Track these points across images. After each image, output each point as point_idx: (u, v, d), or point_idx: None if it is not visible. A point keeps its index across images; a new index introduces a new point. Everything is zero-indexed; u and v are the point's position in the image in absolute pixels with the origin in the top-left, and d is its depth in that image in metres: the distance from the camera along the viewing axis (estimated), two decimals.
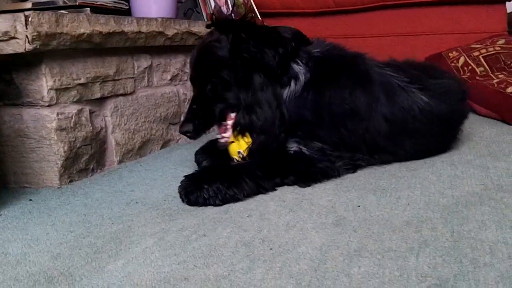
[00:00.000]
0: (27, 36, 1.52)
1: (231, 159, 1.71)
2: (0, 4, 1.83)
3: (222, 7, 3.05)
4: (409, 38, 3.59)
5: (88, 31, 1.72)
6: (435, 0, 3.49)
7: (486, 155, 1.83)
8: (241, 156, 1.67)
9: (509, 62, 3.05)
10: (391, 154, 1.78)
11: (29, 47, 1.53)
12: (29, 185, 1.72)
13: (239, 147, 1.68)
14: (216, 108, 1.68)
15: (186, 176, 1.54)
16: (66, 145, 1.69)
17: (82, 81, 1.76)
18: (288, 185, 1.58)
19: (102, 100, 1.88)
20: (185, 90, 2.42)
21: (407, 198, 1.41)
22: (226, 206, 1.44)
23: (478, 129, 2.31)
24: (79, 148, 1.75)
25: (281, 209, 1.38)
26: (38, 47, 1.55)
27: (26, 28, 1.51)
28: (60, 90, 1.68)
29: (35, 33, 1.53)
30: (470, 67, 3.12)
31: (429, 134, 1.80)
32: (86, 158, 1.78)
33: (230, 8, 3.14)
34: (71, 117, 1.71)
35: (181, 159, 2.01)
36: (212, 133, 1.94)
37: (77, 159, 1.75)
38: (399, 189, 1.49)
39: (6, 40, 1.53)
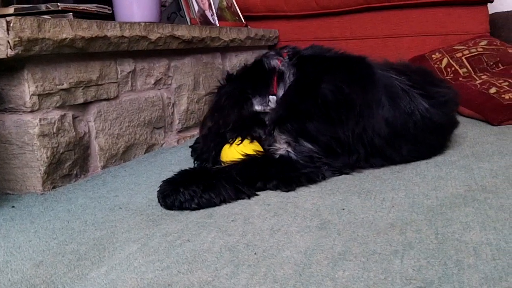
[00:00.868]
0: (8, 42, 1.51)
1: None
2: None
3: (206, 11, 3.05)
4: (392, 40, 3.60)
5: (70, 36, 1.71)
6: (418, 2, 3.50)
7: (470, 155, 1.83)
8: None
9: (491, 63, 3.06)
10: (387, 159, 1.77)
11: (10, 52, 1.52)
12: (11, 191, 1.71)
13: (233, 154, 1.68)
14: None
15: (164, 180, 1.54)
16: (49, 151, 1.68)
17: (64, 86, 1.75)
18: (271, 189, 1.58)
19: (85, 105, 1.87)
20: (169, 94, 2.41)
21: (391, 200, 1.41)
22: (210, 210, 1.43)
23: (462, 130, 2.31)
24: (62, 154, 1.74)
25: (265, 212, 1.38)
26: (20, 52, 1.54)
27: (8, 34, 1.50)
28: (42, 96, 1.67)
29: (17, 39, 1.52)
30: (453, 68, 3.13)
31: (426, 141, 1.80)
32: (69, 163, 1.78)
33: (214, 12, 3.13)
34: (54, 123, 1.70)
35: (166, 164, 2.00)
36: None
37: (60, 164, 1.74)
38: (383, 191, 1.50)
39: None
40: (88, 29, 1.79)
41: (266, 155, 1.67)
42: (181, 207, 1.46)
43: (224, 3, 3.42)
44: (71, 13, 1.91)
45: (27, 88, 1.63)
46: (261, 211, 1.39)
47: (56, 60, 1.73)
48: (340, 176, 1.68)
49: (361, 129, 1.69)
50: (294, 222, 1.29)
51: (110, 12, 2.20)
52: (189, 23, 2.79)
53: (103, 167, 1.95)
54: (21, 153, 1.67)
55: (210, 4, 3.13)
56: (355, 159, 1.72)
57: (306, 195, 1.52)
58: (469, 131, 2.28)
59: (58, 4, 1.89)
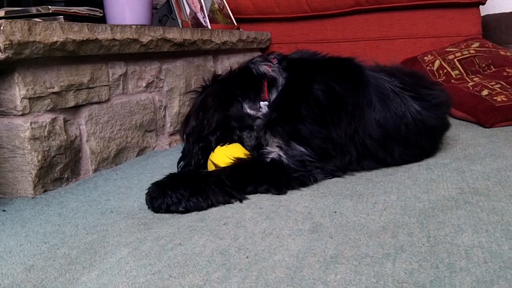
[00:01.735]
0: None
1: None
2: None
3: (197, 14, 3.04)
4: (384, 42, 3.61)
5: (61, 39, 1.70)
6: (409, 4, 3.51)
7: (462, 158, 1.83)
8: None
9: (483, 65, 3.07)
10: (380, 161, 1.77)
11: (1, 56, 1.51)
12: (2, 195, 1.70)
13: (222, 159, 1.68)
14: None
15: (153, 183, 1.54)
16: (40, 155, 1.68)
17: (56, 89, 1.75)
18: (262, 193, 1.57)
19: (77, 108, 1.86)
20: (161, 97, 2.41)
21: (383, 203, 1.41)
22: (202, 214, 1.43)
23: (454, 132, 2.32)
24: (54, 157, 1.73)
25: (257, 216, 1.37)
26: (10, 56, 1.53)
27: None
28: (33, 99, 1.66)
29: (8, 42, 1.51)
30: (445, 71, 3.14)
31: (418, 144, 1.80)
32: (60, 167, 1.77)
33: (206, 14, 3.13)
34: (45, 126, 1.70)
35: (157, 167, 2.00)
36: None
37: (51, 168, 1.73)
38: (375, 194, 1.50)
39: None
40: (79, 32, 1.79)
41: (257, 159, 1.67)
42: (168, 210, 1.46)
43: (216, 5, 3.42)
44: (62, 16, 1.90)
45: (17, 92, 1.62)
46: (253, 214, 1.39)
47: (47, 63, 1.72)
48: (332, 179, 1.68)
49: (353, 130, 1.69)
50: (286, 226, 1.28)
51: (101, 15, 2.19)
52: (180, 26, 2.78)
53: (95, 170, 1.95)
54: (12, 156, 1.66)
55: (201, 7, 3.13)
56: (348, 160, 1.72)
57: (298, 198, 1.51)
58: (461, 134, 2.28)
59: (49, 7, 1.88)
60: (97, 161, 1.95)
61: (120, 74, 2.11)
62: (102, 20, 2.27)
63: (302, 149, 1.65)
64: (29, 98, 1.65)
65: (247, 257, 1.11)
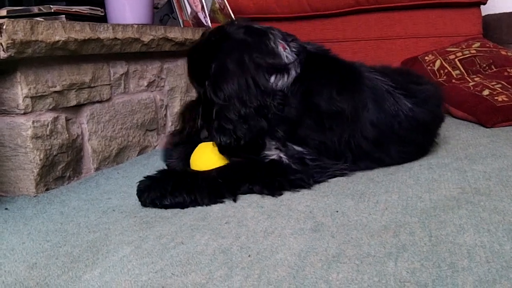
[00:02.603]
0: (1, 44, 1.50)
1: None
2: None
3: (198, 13, 3.04)
4: (385, 42, 3.61)
5: (63, 38, 1.70)
6: (410, 4, 3.51)
7: (463, 158, 1.84)
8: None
9: (484, 65, 3.07)
10: (377, 161, 1.78)
11: (3, 55, 1.52)
12: (4, 194, 1.70)
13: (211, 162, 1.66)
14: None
15: (144, 176, 1.56)
16: (42, 153, 1.68)
17: (57, 88, 1.75)
18: (256, 193, 1.57)
19: (78, 107, 1.87)
20: (162, 96, 2.41)
21: (385, 203, 1.41)
22: (203, 212, 1.43)
23: (455, 132, 2.32)
24: (55, 156, 1.73)
25: (259, 215, 1.37)
26: (13, 55, 1.53)
27: (1, 36, 1.50)
28: (35, 98, 1.66)
29: (10, 41, 1.51)
30: (446, 70, 3.14)
31: (413, 141, 1.80)
32: (62, 166, 1.77)
33: (207, 14, 3.13)
34: (47, 125, 1.70)
35: (158, 166, 1.99)
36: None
37: (53, 167, 1.73)
38: (377, 194, 1.50)
39: None
40: (81, 31, 1.79)
41: (254, 158, 1.66)
42: (153, 204, 1.49)
43: (217, 5, 3.42)
44: (63, 15, 1.90)
45: (20, 91, 1.62)
46: (255, 213, 1.39)
47: (49, 62, 1.73)
48: (333, 178, 1.68)
49: (349, 135, 1.69)
50: (288, 225, 1.29)
51: (103, 14, 2.19)
52: (181, 25, 2.78)
53: (96, 169, 1.95)
54: (14, 155, 1.66)
55: (202, 6, 3.13)
56: (343, 163, 1.72)
57: (299, 197, 1.51)
58: (462, 133, 2.28)
59: (51, 6, 1.88)
60: (98, 160, 1.96)
61: (122, 73, 2.11)
62: (104, 19, 2.27)
63: (300, 148, 1.65)
64: (31, 97, 1.65)
65: (249, 255, 1.11)
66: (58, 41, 1.69)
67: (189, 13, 2.92)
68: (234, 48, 1.65)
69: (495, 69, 3.03)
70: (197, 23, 2.98)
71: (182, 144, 1.82)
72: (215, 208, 1.47)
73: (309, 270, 1.03)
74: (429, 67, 3.21)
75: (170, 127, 2.46)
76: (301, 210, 1.39)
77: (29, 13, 1.86)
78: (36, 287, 1.03)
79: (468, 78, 2.96)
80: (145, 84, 2.28)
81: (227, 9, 3.52)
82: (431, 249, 1.09)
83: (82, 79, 1.87)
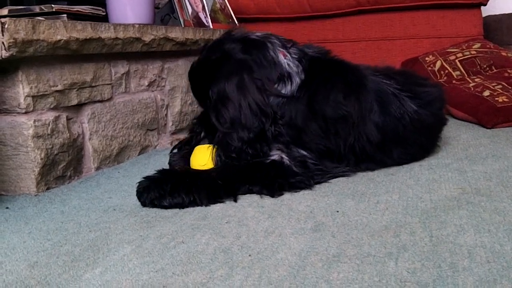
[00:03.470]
0: (3, 43, 1.51)
1: None
2: None
3: (199, 13, 3.05)
4: (385, 43, 3.61)
5: (65, 38, 1.71)
6: (410, 5, 3.51)
7: (464, 158, 1.84)
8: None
9: (485, 66, 3.07)
10: (378, 163, 1.78)
11: (5, 54, 1.52)
12: (5, 192, 1.71)
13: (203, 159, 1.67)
14: None
15: (144, 176, 1.56)
16: (43, 152, 1.68)
17: (59, 87, 1.75)
18: (256, 193, 1.57)
19: (79, 106, 1.87)
20: (163, 96, 2.41)
21: (385, 203, 1.41)
22: (204, 212, 1.43)
23: (455, 132, 2.32)
24: (56, 155, 1.74)
25: (259, 215, 1.38)
26: (14, 54, 1.54)
27: (2, 35, 1.50)
28: (36, 97, 1.67)
29: (12, 40, 1.51)
30: (446, 71, 3.14)
31: (416, 143, 1.81)
32: (63, 165, 1.77)
33: (208, 14, 3.13)
34: (48, 124, 1.70)
35: (159, 165, 1.99)
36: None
37: (54, 166, 1.74)
38: (377, 194, 1.50)
39: None
40: (82, 31, 1.79)
41: (256, 160, 1.64)
42: (153, 205, 1.49)
43: (217, 5, 3.42)
44: (65, 15, 1.90)
45: (21, 90, 1.63)
46: (255, 213, 1.39)
47: (50, 61, 1.73)
48: (334, 179, 1.68)
49: (354, 138, 1.69)
50: (288, 224, 1.29)
51: (104, 14, 2.19)
52: (182, 25, 2.78)
53: (97, 168, 1.95)
54: (15, 154, 1.67)
55: (203, 6, 3.13)
56: (345, 165, 1.72)
57: (300, 197, 1.52)
58: (463, 134, 2.29)
59: (52, 5, 1.88)
60: (99, 159, 1.96)
61: (123, 73, 2.11)
62: (105, 19, 2.27)
63: (303, 152, 1.65)
64: (33, 96, 1.65)
65: (249, 255, 1.12)
66: (60, 40, 1.69)
67: (190, 13, 2.92)
68: (233, 71, 1.66)
69: (495, 70, 3.03)
70: (198, 23, 2.98)
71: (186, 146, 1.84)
72: (216, 207, 1.47)
73: (309, 269, 1.03)
74: (429, 68, 3.21)
75: (170, 126, 2.46)
76: (302, 210, 1.39)
77: (30, 13, 1.86)
78: (37, 285, 1.03)
79: (468, 79, 2.96)
80: (146, 83, 2.28)
81: (228, 9, 3.52)
82: (431, 249, 1.09)
83: (83, 79, 1.87)
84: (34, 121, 1.65)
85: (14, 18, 1.54)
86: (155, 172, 1.57)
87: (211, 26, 3.10)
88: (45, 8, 1.88)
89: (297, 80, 1.70)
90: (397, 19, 3.59)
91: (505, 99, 2.49)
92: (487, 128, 2.40)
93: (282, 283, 0.98)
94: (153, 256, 1.14)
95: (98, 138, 1.95)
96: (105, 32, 1.91)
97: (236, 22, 3.54)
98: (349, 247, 1.13)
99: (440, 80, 3.06)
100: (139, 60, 2.24)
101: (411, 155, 1.82)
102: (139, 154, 2.22)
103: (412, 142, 1.79)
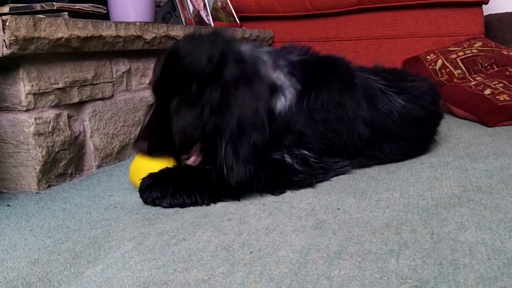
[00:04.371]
0: (4, 41, 1.51)
1: None
2: None
3: (200, 11, 3.05)
4: (386, 41, 3.61)
5: (66, 36, 1.70)
6: (412, 3, 3.50)
7: (465, 156, 1.84)
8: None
9: (486, 65, 3.07)
10: (371, 158, 1.78)
11: (6, 51, 1.52)
12: (6, 190, 1.71)
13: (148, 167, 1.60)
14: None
15: (147, 175, 1.55)
16: (44, 150, 1.68)
17: (60, 85, 1.75)
18: (258, 191, 1.55)
19: (81, 104, 1.87)
20: None
21: (386, 200, 1.41)
22: (205, 209, 1.43)
23: (456, 131, 2.32)
24: (58, 153, 1.74)
25: (260, 212, 1.38)
26: (15, 51, 1.53)
27: (4, 33, 1.50)
28: (38, 95, 1.67)
29: (13, 38, 1.51)
30: (448, 70, 3.14)
31: (407, 137, 1.81)
32: (64, 163, 1.77)
33: (209, 12, 3.13)
34: (49, 122, 1.70)
35: None
36: None
37: (55, 164, 1.74)
38: (378, 192, 1.50)
39: None
40: (84, 29, 1.79)
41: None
42: (154, 204, 1.49)
43: (219, 3, 3.42)
44: (66, 13, 1.90)
45: (22, 87, 1.63)
46: (256, 210, 1.39)
47: (52, 59, 1.73)
48: (335, 177, 1.68)
49: (346, 136, 1.69)
50: (290, 222, 1.29)
51: (105, 11, 2.20)
52: (184, 23, 2.79)
53: (98, 166, 1.95)
54: (16, 152, 1.67)
55: (205, 5, 3.13)
56: (342, 160, 1.72)
57: (301, 195, 1.52)
58: (464, 132, 2.28)
59: (54, 3, 1.89)
60: (100, 157, 1.96)
61: (124, 70, 2.11)
62: (106, 17, 2.27)
63: (305, 151, 1.65)
64: (34, 94, 1.65)
65: (251, 252, 1.12)
66: (61, 38, 1.69)
67: (191, 11, 2.92)
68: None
69: (496, 69, 3.03)
70: (199, 21, 2.98)
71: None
72: (217, 205, 1.47)
73: (310, 266, 1.03)
74: (430, 67, 3.21)
75: None
76: (303, 207, 1.40)
77: (31, 10, 1.86)
78: (38, 282, 1.03)
79: (469, 77, 2.96)
80: (147, 82, 2.28)
81: (229, 7, 3.52)
82: (432, 246, 1.09)
83: (85, 76, 1.87)
84: (35, 118, 1.65)
85: (15, 16, 1.54)
86: (160, 170, 1.57)
87: (212, 25, 3.10)
88: (46, 5, 1.88)
89: (291, 92, 1.66)
90: (398, 18, 3.58)
91: (506, 98, 2.49)
92: (488, 126, 2.40)
93: (283, 280, 0.98)
94: (154, 253, 1.14)
95: (99, 136, 1.95)
96: (106, 30, 1.91)
97: (238, 21, 3.55)
98: (350, 244, 1.13)
99: (441, 79, 3.06)
100: (140, 58, 2.23)
101: (404, 150, 1.82)
102: None
103: (403, 136, 1.79)
